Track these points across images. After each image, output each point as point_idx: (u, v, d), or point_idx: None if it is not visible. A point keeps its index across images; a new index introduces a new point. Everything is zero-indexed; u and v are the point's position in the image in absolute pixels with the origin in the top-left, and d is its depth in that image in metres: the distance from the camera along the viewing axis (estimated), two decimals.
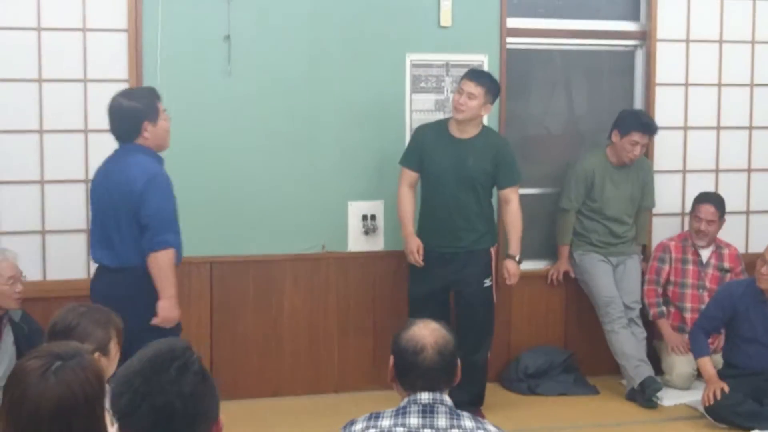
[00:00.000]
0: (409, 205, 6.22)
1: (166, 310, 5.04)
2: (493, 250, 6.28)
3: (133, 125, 5.14)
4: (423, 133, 6.22)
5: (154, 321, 5.01)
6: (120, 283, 5.07)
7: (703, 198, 6.92)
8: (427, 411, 3.16)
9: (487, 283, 6.23)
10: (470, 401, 6.00)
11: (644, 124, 6.77)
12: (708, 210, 6.85)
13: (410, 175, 6.21)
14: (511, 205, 6.22)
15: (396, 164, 6.40)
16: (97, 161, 6.08)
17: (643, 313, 6.87)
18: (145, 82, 6.12)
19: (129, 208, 5.03)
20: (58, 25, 6.06)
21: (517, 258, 6.24)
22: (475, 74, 6.13)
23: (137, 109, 5.14)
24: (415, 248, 6.15)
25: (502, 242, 6.52)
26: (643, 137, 6.72)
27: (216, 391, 2.37)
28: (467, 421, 3.16)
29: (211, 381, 2.35)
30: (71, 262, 6.16)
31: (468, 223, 6.16)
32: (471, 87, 6.04)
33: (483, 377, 6.27)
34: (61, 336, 3.37)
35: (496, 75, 6.68)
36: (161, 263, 5.00)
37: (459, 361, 3.32)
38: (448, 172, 6.09)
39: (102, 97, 6.06)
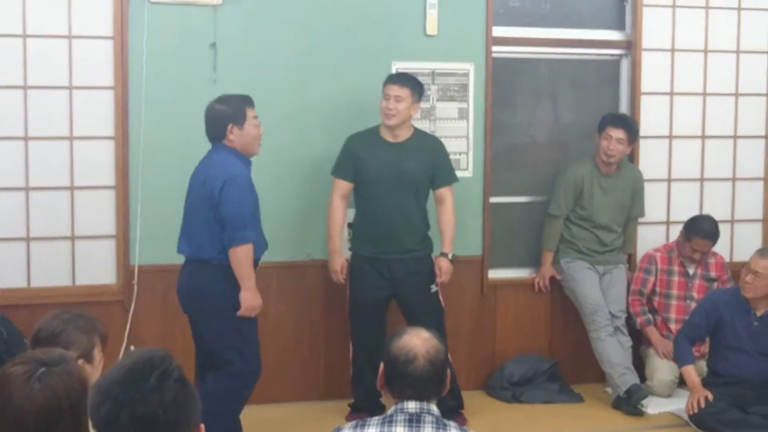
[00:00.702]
0: (339, 218, 6.19)
1: (248, 300, 5.36)
2: (434, 256, 6.28)
3: (218, 127, 5.43)
4: (355, 142, 6.17)
5: (240, 312, 5.36)
6: (197, 274, 5.42)
7: (701, 232, 6.86)
8: (414, 420, 3.15)
9: (433, 288, 6.21)
10: (452, 407, 6.03)
11: (618, 117, 6.85)
12: (706, 244, 6.86)
13: (344, 186, 6.16)
14: (447, 204, 6.23)
15: None
16: (82, 168, 6.12)
17: (629, 322, 6.88)
18: (131, 90, 6.12)
19: (207, 204, 5.31)
20: (44, 31, 6.05)
21: (450, 256, 6.24)
22: (397, 78, 6.15)
23: (223, 112, 5.42)
24: (339, 267, 6.17)
25: (487, 247, 6.53)
26: (617, 131, 6.73)
27: (196, 399, 2.36)
28: (453, 431, 3.15)
29: (191, 388, 2.34)
30: (55, 269, 6.15)
31: (410, 227, 6.14)
32: (396, 90, 6.04)
33: (454, 380, 6.23)
34: (45, 343, 3.36)
35: (481, 84, 6.71)
36: (240, 257, 5.29)
37: (449, 372, 3.31)
38: (388, 177, 6.04)
39: (87, 104, 6.10)
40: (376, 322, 6.20)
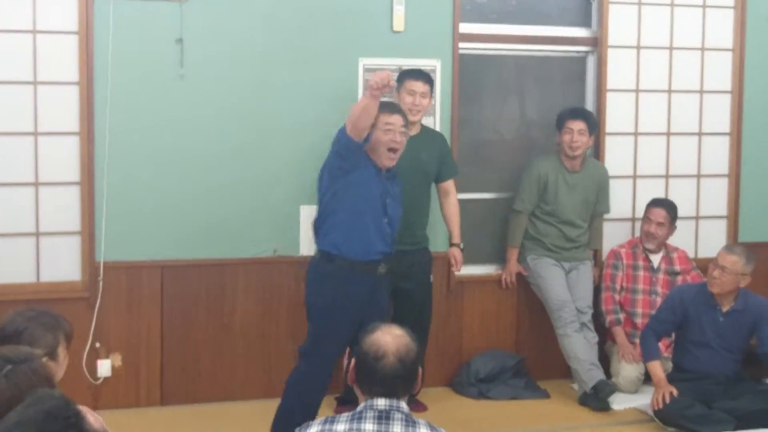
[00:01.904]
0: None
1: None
2: (446, 249, 6.50)
3: None
4: None
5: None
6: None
7: (655, 202, 7.02)
8: (383, 417, 3.14)
9: (431, 278, 6.42)
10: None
11: (574, 110, 6.92)
12: (659, 213, 6.93)
13: None
14: (452, 196, 6.43)
15: None
16: (47, 164, 6.07)
17: (595, 318, 6.91)
18: (97, 85, 6.08)
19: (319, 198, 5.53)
20: (8, 26, 5.99)
21: (462, 246, 6.40)
22: (420, 74, 6.28)
23: None
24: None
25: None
26: (576, 122, 6.77)
27: None
28: (423, 429, 3.14)
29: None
30: (20, 265, 6.10)
31: (422, 217, 6.34)
32: (421, 87, 6.23)
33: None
34: (9, 340, 3.33)
35: (448, 80, 6.73)
36: None
37: (420, 370, 3.30)
38: (407, 168, 6.04)
39: (52, 100, 6.05)
40: (380, 315, 6.19)
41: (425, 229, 6.39)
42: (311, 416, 5.14)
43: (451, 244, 6.44)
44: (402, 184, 5.68)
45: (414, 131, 6.20)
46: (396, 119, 5.46)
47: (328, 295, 5.39)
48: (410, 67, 6.49)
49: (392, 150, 5.42)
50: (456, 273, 6.61)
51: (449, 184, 6.43)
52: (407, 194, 6.05)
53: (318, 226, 5.50)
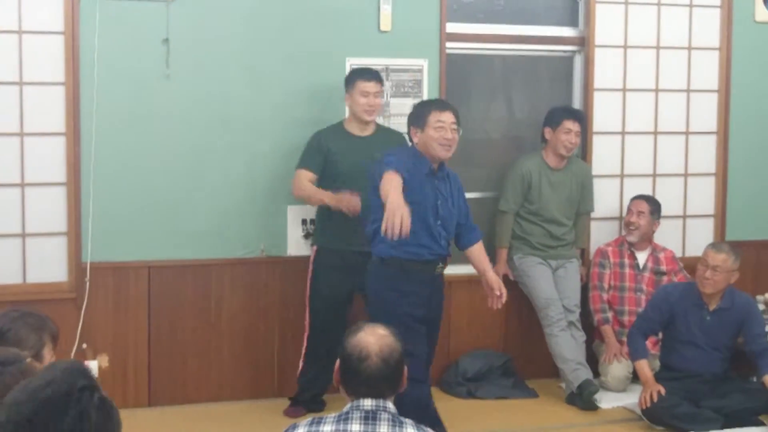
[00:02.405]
0: (308, 181, 6.12)
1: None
2: None
3: (407, 130, 5.54)
4: (325, 135, 6.18)
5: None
6: None
7: (637, 196, 7.07)
8: (370, 418, 3.14)
9: None
10: None
11: (573, 111, 6.94)
12: (639, 204, 7.00)
13: (309, 175, 6.13)
14: None
15: None
16: (33, 164, 6.05)
17: (583, 316, 6.91)
18: (83, 86, 6.07)
19: None
20: None
21: None
22: (374, 74, 6.19)
23: (408, 115, 5.56)
24: (340, 196, 6.00)
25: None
26: (575, 124, 6.80)
27: (117, 423, 2.18)
28: (409, 429, 3.14)
29: (110, 409, 2.15)
30: (6, 266, 6.08)
31: None
32: (375, 87, 6.14)
33: None
34: None
35: (435, 80, 6.73)
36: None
37: (405, 369, 3.29)
38: (360, 170, 5.95)
39: (38, 100, 6.03)
40: (338, 317, 6.19)
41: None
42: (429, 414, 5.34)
43: None
44: (457, 180, 5.56)
45: (368, 131, 6.20)
46: (447, 116, 5.43)
47: (392, 297, 5.33)
48: (397, 67, 6.49)
49: (445, 146, 5.43)
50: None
51: None
52: (363, 197, 5.97)
53: (372, 232, 5.35)
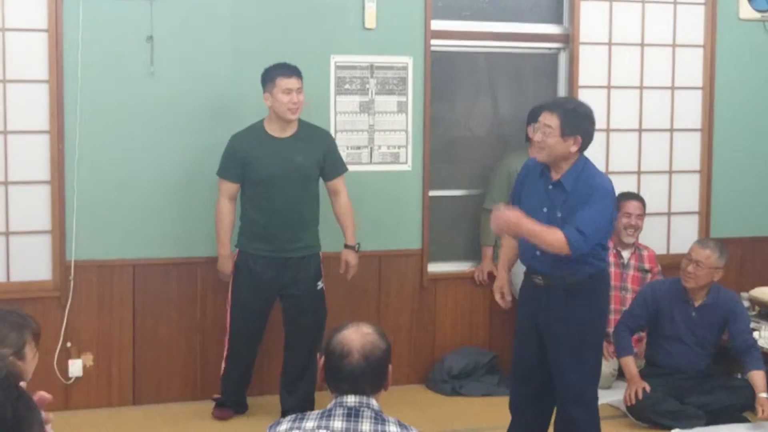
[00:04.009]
0: (229, 221, 6.06)
1: None
2: (321, 253, 6.20)
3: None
4: (240, 141, 6.04)
5: None
6: None
7: (629, 195, 7.05)
8: (352, 414, 3.14)
9: (320, 285, 6.16)
10: (303, 407, 5.94)
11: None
12: (636, 206, 7.00)
13: (231, 187, 6.04)
14: (342, 195, 6.15)
15: None
16: (16, 162, 6.03)
17: None
18: (66, 83, 6.05)
19: None
20: None
21: (356, 247, 6.18)
22: (293, 70, 5.99)
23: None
24: (228, 272, 6.07)
25: (427, 241, 6.54)
26: None
27: (33, 403, 2.20)
28: (392, 427, 3.14)
29: (26, 393, 2.18)
30: None
31: (304, 223, 6.05)
32: (297, 83, 5.95)
33: (314, 379, 6.08)
34: None
35: (420, 77, 6.73)
36: None
37: (390, 367, 3.29)
38: (279, 173, 5.95)
39: (22, 98, 6.01)
40: (260, 322, 6.18)
41: (314, 234, 6.13)
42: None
43: (345, 246, 6.21)
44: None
45: (289, 131, 6.03)
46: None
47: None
48: (382, 64, 6.49)
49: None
50: (348, 277, 6.30)
51: (337, 183, 6.13)
52: (281, 198, 5.96)
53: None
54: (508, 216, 4.93)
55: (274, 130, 6.03)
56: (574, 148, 4.99)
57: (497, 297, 5.45)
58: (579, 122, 5.03)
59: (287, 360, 6.20)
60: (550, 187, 5.04)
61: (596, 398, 5.24)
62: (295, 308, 6.11)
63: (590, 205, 4.89)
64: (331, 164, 6.11)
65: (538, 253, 5.04)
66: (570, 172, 5.00)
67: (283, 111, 5.93)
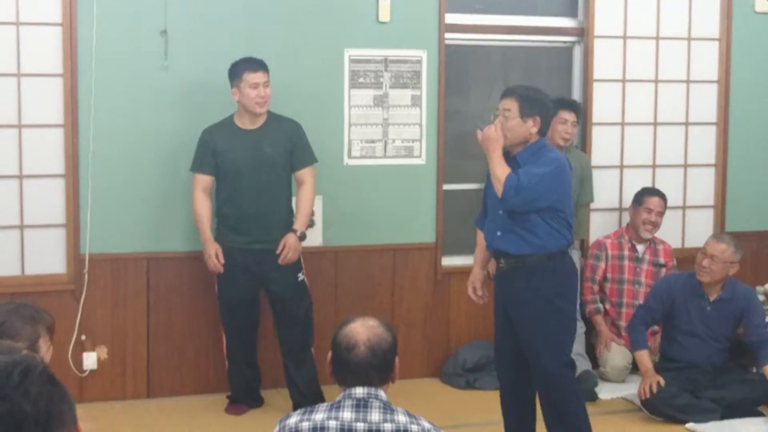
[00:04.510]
0: (206, 210, 6.05)
1: None
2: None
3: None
4: (211, 134, 6.06)
5: None
6: None
7: (651, 191, 7.03)
8: (361, 405, 3.17)
9: (300, 277, 6.15)
10: (309, 397, 6.02)
11: (568, 101, 6.91)
12: (658, 202, 6.96)
13: (205, 180, 6.04)
14: (306, 185, 6.10)
15: (334, 160, 6.45)
16: (31, 156, 6.05)
17: (583, 308, 6.91)
18: (81, 77, 6.06)
19: None
20: None
21: (299, 233, 6.08)
22: (259, 63, 6.00)
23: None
24: (214, 252, 6.02)
25: (441, 235, 6.53)
26: (570, 114, 6.78)
27: (69, 396, 2.14)
28: (401, 416, 3.16)
29: (61, 385, 2.12)
30: (4, 258, 6.09)
31: (277, 214, 6.06)
32: (263, 77, 5.96)
33: (313, 371, 6.18)
34: None
35: (434, 71, 6.71)
36: None
37: (397, 359, 3.31)
38: (249, 164, 5.98)
39: (36, 92, 6.03)
40: (248, 315, 6.20)
41: (286, 224, 6.09)
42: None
43: (290, 230, 6.06)
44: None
45: (258, 123, 6.05)
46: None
47: None
48: (396, 58, 6.50)
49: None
50: (281, 262, 6.09)
51: (304, 173, 6.08)
52: (252, 190, 5.98)
53: None
54: (491, 133, 5.08)
55: (243, 123, 6.07)
56: (534, 129, 5.10)
57: (470, 291, 5.55)
58: (536, 103, 5.14)
59: (283, 355, 6.23)
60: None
61: (570, 379, 5.23)
62: (279, 302, 6.13)
63: (537, 166, 5.03)
64: (299, 154, 6.11)
65: (498, 233, 5.18)
66: (525, 150, 5.14)
67: (251, 105, 5.96)
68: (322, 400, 5.96)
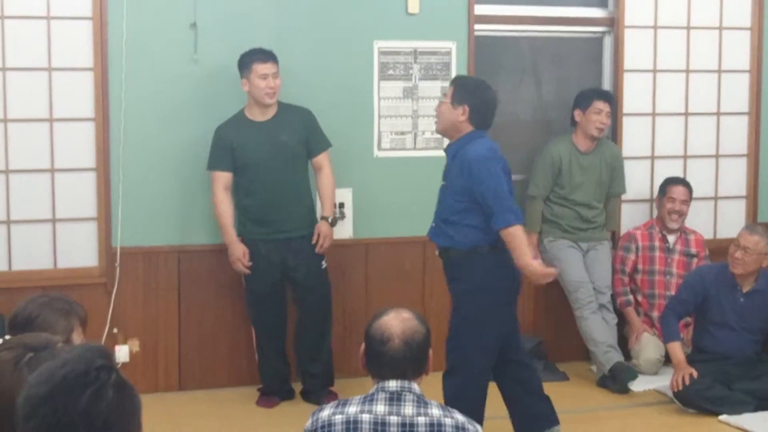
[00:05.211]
0: (228, 209, 6.09)
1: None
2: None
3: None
4: (225, 130, 6.08)
5: None
6: None
7: (674, 180, 6.99)
8: (395, 398, 3.16)
9: (323, 265, 6.19)
10: (322, 384, 6.14)
11: (602, 92, 6.92)
12: (682, 191, 6.92)
13: (224, 177, 6.07)
14: (325, 170, 6.15)
15: (365, 152, 6.44)
16: (62, 150, 6.07)
17: (614, 299, 6.88)
18: (111, 71, 6.08)
19: None
20: (22, 12, 6.00)
21: (330, 220, 6.15)
22: (269, 55, 6.04)
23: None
24: (241, 254, 6.06)
25: None
26: (605, 104, 6.77)
27: (136, 405, 2.18)
28: (434, 409, 3.16)
29: (130, 390, 2.16)
30: (37, 252, 6.12)
31: (299, 201, 6.12)
32: (273, 68, 6.01)
33: (330, 358, 6.27)
34: (22, 327, 3.31)
35: (464, 62, 6.69)
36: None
37: (430, 352, 3.30)
38: (267, 156, 6.02)
39: (67, 86, 6.05)
40: (276, 306, 6.23)
41: (309, 213, 6.18)
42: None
43: (321, 218, 6.18)
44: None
45: (270, 114, 6.09)
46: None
47: None
48: (426, 50, 6.48)
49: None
50: (319, 251, 6.16)
51: (321, 159, 6.15)
52: (272, 180, 6.02)
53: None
54: (538, 274, 5.16)
55: (255, 115, 6.10)
56: (462, 117, 5.16)
57: None
58: (468, 93, 5.20)
59: (299, 342, 6.28)
60: (450, 160, 5.25)
61: (465, 381, 5.20)
62: (302, 289, 6.17)
63: (479, 181, 5.03)
64: (314, 141, 6.16)
65: (433, 224, 5.33)
66: (456, 143, 5.20)
67: (261, 96, 5.99)
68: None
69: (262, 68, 5.98)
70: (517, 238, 5.00)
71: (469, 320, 5.11)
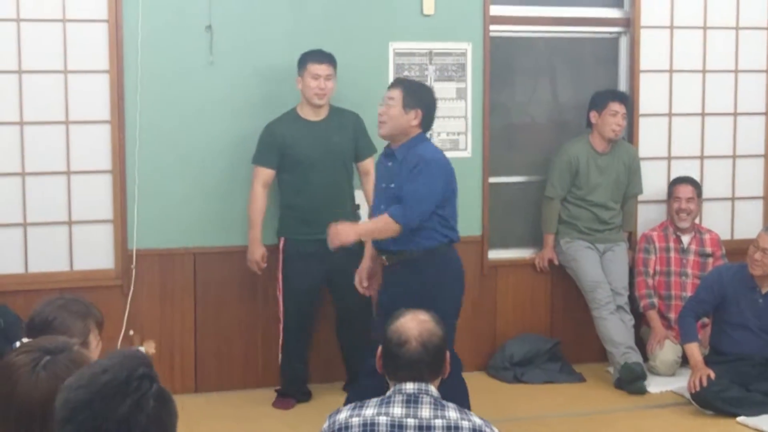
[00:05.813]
0: (262, 206, 6.12)
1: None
2: None
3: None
4: (278, 127, 6.10)
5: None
6: None
7: (679, 179, 7.01)
8: (411, 401, 3.16)
9: None
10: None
11: (618, 93, 6.91)
12: (687, 189, 6.92)
13: (267, 174, 6.09)
14: (371, 176, 6.11)
15: (380, 152, 6.42)
16: (78, 152, 6.08)
17: (632, 300, 6.86)
18: (126, 74, 6.09)
19: None
20: (38, 15, 6.01)
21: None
22: (324, 56, 6.09)
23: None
24: (260, 257, 6.10)
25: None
26: (621, 106, 6.78)
27: (174, 417, 2.18)
28: (451, 412, 3.15)
29: (167, 398, 2.16)
30: (53, 254, 6.13)
31: (344, 202, 6.16)
32: (326, 69, 6.06)
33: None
34: (40, 330, 3.32)
35: (479, 63, 6.68)
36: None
37: (447, 354, 3.30)
38: (318, 155, 6.04)
39: (83, 88, 6.07)
40: (310, 308, 6.24)
41: (351, 213, 6.18)
42: None
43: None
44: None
45: (322, 115, 6.14)
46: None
47: None
48: (441, 51, 6.46)
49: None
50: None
51: (368, 163, 6.19)
52: (322, 180, 6.04)
53: None
54: (339, 230, 5.13)
55: (307, 114, 6.14)
56: (414, 122, 5.20)
57: (356, 282, 5.61)
58: (420, 97, 5.24)
59: (343, 341, 6.32)
60: (390, 163, 5.23)
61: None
62: (340, 292, 6.18)
63: (415, 177, 5.06)
64: (362, 145, 6.22)
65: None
66: (404, 145, 5.19)
67: (310, 95, 6.05)
68: None
69: (316, 68, 6.04)
70: (381, 224, 5.09)
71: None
